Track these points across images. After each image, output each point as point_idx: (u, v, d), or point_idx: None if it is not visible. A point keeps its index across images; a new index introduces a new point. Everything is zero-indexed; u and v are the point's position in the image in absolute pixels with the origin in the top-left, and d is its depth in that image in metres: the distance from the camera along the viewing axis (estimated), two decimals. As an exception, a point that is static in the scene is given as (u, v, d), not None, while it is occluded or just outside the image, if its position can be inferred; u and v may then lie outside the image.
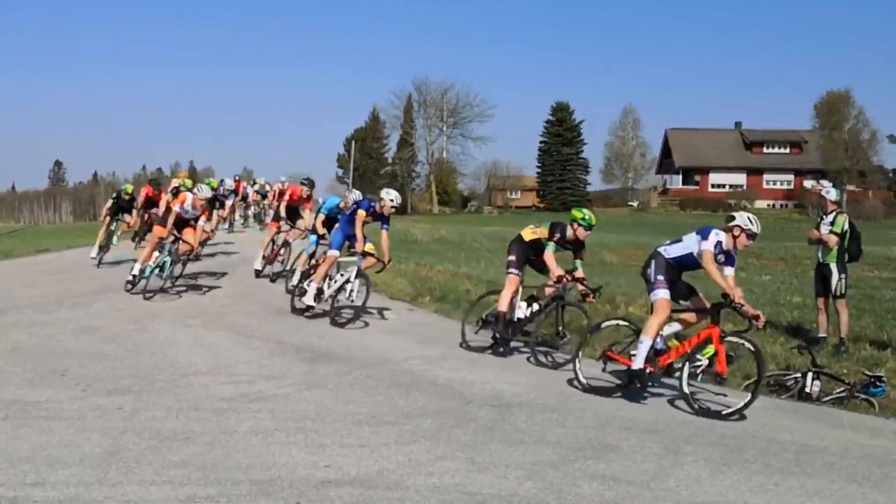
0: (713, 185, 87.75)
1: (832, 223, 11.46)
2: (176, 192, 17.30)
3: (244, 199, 31.80)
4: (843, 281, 11.44)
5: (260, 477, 5.49)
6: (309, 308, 12.68)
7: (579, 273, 10.44)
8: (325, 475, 5.57)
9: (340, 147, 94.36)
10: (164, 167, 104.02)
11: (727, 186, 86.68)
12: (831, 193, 11.84)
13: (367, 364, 9.63)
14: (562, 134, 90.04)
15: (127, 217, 18.73)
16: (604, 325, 9.40)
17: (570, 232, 10.53)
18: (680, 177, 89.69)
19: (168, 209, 15.07)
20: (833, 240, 11.40)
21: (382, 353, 10.38)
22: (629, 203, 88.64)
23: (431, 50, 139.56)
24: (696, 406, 8.16)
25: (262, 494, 5.15)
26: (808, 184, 71.05)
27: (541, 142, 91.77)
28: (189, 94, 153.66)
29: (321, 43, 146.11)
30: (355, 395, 8.04)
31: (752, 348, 8.25)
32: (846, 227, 11.49)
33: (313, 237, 14.98)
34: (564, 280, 10.27)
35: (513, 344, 10.90)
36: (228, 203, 19.37)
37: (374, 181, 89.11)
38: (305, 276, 13.62)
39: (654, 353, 8.67)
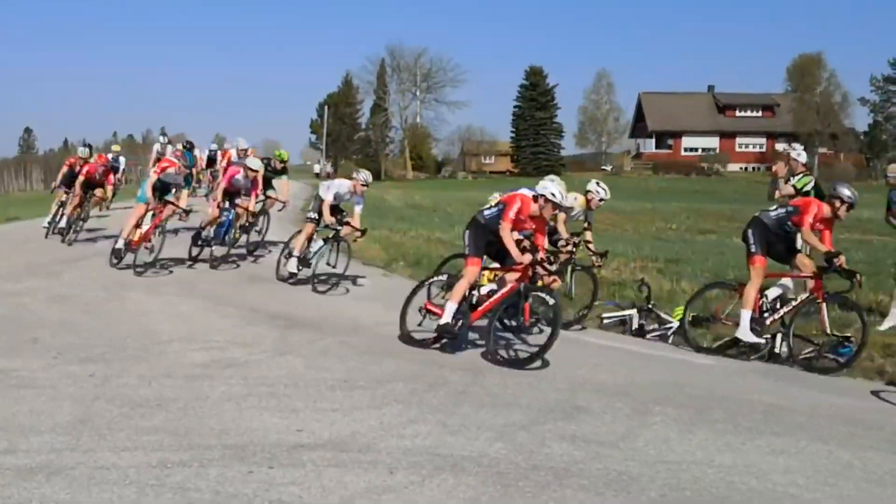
0: (686, 149, 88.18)
1: (797, 182, 11.51)
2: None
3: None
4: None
5: (232, 442, 5.51)
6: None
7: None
8: (298, 439, 5.60)
9: (313, 112, 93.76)
10: (135, 134, 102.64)
11: (700, 150, 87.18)
12: (802, 156, 11.91)
13: (341, 330, 9.66)
14: (536, 98, 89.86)
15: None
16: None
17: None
18: (653, 141, 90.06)
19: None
20: (788, 190, 11.47)
21: (356, 320, 10.41)
22: (603, 167, 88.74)
23: (405, 14, 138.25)
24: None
25: (234, 459, 5.17)
26: (780, 147, 71.36)
27: (515, 106, 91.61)
28: (160, 60, 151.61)
29: (294, 7, 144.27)
30: (328, 361, 8.07)
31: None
32: (810, 188, 11.52)
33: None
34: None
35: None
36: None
37: (347, 147, 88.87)
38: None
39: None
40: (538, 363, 8.16)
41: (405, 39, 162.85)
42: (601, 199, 11.53)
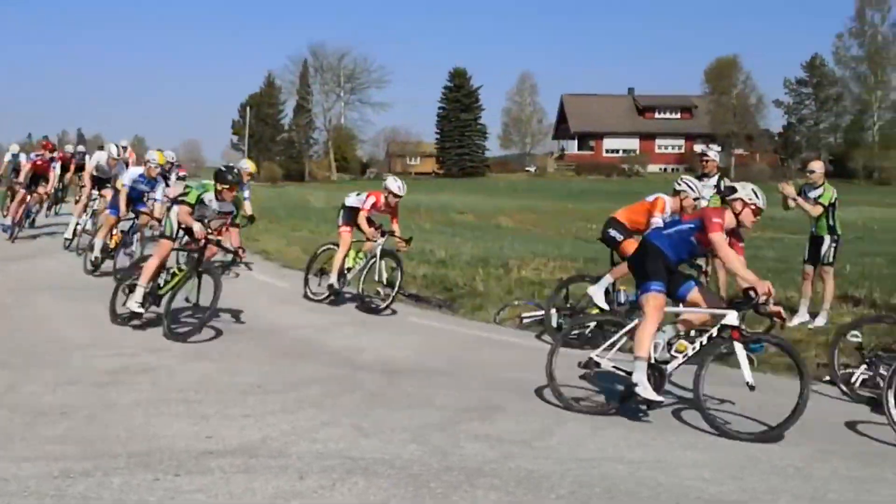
0: (608, 150, 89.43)
1: (716, 185, 11.70)
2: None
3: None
4: None
5: (139, 449, 5.39)
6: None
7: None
8: (206, 446, 5.50)
9: (235, 113, 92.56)
10: (50, 135, 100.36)
11: (621, 151, 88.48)
12: (718, 156, 12.15)
13: (256, 334, 9.53)
14: (460, 100, 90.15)
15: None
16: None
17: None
18: (576, 142, 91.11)
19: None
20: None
21: (272, 322, 10.29)
22: (527, 168, 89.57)
23: (326, 15, 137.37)
24: None
25: (140, 466, 5.05)
26: (698, 148, 72.68)
27: (439, 108, 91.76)
28: (74, 60, 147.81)
29: (213, 6, 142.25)
30: (241, 365, 7.96)
31: None
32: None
33: None
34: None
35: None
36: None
37: (270, 148, 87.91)
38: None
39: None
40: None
41: (328, 39, 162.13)
42: None
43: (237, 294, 11.73)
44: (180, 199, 9.66)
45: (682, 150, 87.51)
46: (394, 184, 11.63)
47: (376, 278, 11.35)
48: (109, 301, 9.75)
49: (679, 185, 9.80)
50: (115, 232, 13.24)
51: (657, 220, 9.00)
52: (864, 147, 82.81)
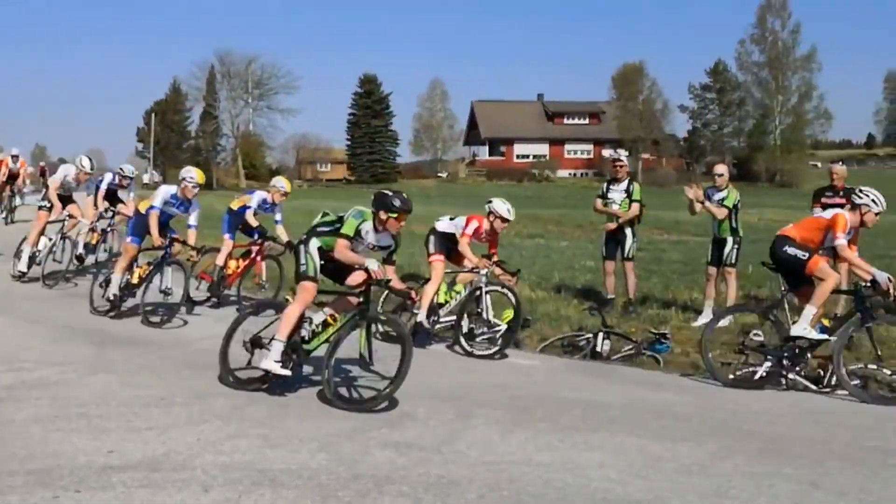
0: (518, 156, 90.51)
1: (626, 189, 11.90)
2: None
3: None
4: (635, 244, 12.01)
5: (38, 466, 5.20)
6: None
7: None
8: (108, 461, 5.35)
9: (140, 120, 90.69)
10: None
11: (531, 157, 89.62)
12: (626, 160, 12.46)
13: (161, 346, 9.34)
14: (370, 106, 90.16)
15: None
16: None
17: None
18: (486, 148, 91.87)
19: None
20: (597, 203, 12.05)
21: (178, 334, 10.11)
22: (438, 174, 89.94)
23: (233, 20, 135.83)
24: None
25: (38, 484, 4.89)
26: (606, 153, 74.11)
27: (350, 114, 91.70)
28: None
29: (116, 12, 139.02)
30: (145, 377, 7.76)
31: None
32: (641, 194, 12.00)
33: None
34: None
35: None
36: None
37: (176, 155, 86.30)
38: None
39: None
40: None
41: (235, 45, 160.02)
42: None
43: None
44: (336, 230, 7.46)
45: (591, 156, 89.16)
46: (502, 206, 10.14)
47: (484, 315, 9.99)
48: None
49: (860, 197, 8.59)
50: (139, 264, 11.23)
51: (842, 241, 8.32)
52: (767, 151, 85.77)
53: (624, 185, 11.97)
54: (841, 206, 10.86)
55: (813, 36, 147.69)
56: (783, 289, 8.69)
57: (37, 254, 13.33)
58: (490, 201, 10.40)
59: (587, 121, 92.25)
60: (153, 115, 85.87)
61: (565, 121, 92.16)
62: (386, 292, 9.32)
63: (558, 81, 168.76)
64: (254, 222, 12.26)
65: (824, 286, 8.24)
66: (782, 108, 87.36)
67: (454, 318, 10.05)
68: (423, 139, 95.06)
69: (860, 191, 8.59)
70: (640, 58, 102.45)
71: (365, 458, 5.63)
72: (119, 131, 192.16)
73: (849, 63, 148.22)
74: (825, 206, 10.96)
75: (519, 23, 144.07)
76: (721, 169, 11.76)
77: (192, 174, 11.08)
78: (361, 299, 7.23)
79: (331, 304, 7.66)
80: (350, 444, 5.92)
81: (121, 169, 14.65)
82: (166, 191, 11.22)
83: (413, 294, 7.78)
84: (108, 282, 11.06)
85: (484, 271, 9.95)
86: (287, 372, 7.22)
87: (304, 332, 7.47)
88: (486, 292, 9.94)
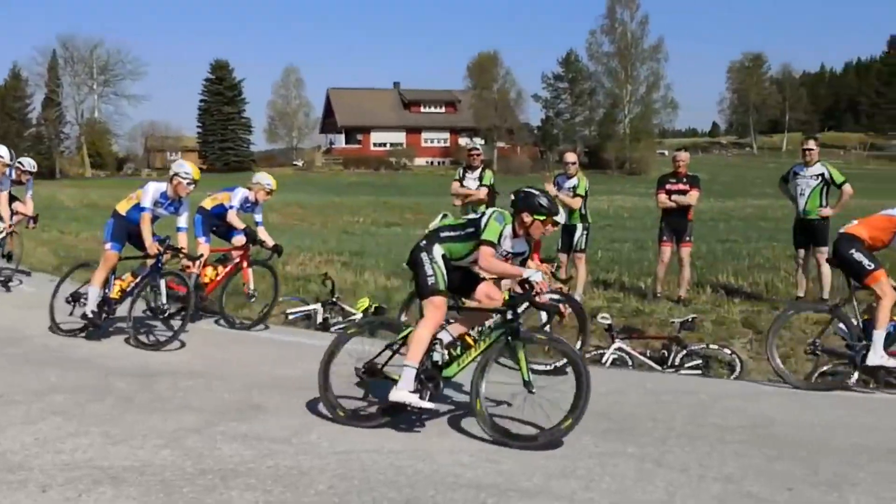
0: (375, 144, 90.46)
1: (479, 177, 12.02)
2: None
3: None
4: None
5: None
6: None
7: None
8: (-65, 466, 5.06)
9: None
10: None
11: (388, 145, 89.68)
12: (481, 148, 12.60)
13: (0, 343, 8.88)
14: (222, 93, 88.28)
15: None
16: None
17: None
18: (343, 136, 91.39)
19: None
20: (455, 186, 12.09)
21: (17, 330, 9.62)
22: (294, 163, 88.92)
23: (76, 3, 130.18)
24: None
25: None
26: (463, 142, 74.98)
27: (200, 101, 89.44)
28: None
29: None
30: (-22, 375, 7.38)
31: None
32: (493, 181, 12.10)
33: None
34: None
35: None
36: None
37: (17, 144, 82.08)
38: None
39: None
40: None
41: (79, 30, 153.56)
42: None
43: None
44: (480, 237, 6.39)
45: (448, 144, 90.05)
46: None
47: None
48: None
49: None
50: (122, 277, 9.57)
51: None
52: (616, 139, 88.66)
53: (477, 172, 12.10)
54: (684, 192, 11.39)
55: (660, 28, 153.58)
56: (850, 287, 8.06)
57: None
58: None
59: (443, 109, 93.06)
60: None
61: (422, 109, 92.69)
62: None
63: (414, 69, 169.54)
64: (239, 224, 10.74)
65: (884, 304, 7.69)
66: (631, 97, 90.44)
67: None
68: (278, 127, 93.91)
69: None
70: (494, 47, 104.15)
71: (212, 452, 5.50)
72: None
73: (694, 55, 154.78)
74: (669, 193, 11.43)
75: (374, 10, 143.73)
76: (571, 157, 12.03)
77: (188, 169, 9.41)
78: (510, 315, 6.19)
79: (458, 320, 6.75)
80: (196, 438, 5.77)
81: (20, 163, 13.29)
82: (156, 189, 9.43)
83: (562, 308, 7.03)
84: (76, 296, 9.55)
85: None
86: (430, 405, 6.21)
87: (437, 356, 6.40)
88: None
